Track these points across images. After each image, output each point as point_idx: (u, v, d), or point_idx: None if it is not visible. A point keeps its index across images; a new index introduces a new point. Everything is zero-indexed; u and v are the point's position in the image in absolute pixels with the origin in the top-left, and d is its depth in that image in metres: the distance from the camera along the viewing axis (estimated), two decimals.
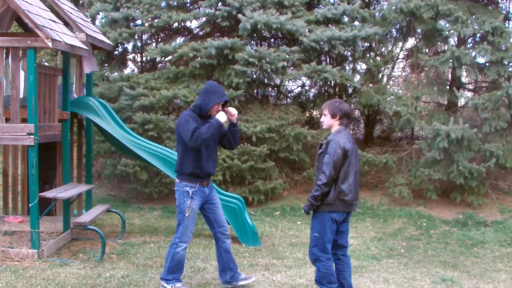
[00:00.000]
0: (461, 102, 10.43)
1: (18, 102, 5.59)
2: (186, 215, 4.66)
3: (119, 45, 9.97)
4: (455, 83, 9.55)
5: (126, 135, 6.69)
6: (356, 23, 9.75)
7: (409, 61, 10.90)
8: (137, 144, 6.65)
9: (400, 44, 10.71)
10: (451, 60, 8.76)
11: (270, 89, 10.42)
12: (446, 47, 9.49)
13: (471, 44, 9.75)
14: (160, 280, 4.81)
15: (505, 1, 10.84)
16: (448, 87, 9.72)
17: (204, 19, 9.62)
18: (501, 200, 8.85)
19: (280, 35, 9.75)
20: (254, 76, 9.26)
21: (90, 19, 10.05)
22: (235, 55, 8.70)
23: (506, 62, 8.81)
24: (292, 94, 10.88)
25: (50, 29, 5.52)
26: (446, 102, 10.31)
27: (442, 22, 9.29)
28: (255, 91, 9.87)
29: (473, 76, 9.43)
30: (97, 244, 6.25)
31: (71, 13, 6.76)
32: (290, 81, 10.35)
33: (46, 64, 11.42)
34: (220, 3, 9.28)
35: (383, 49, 10.66)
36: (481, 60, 9.31)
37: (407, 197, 8.65)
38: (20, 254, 5.48)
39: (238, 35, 9.00)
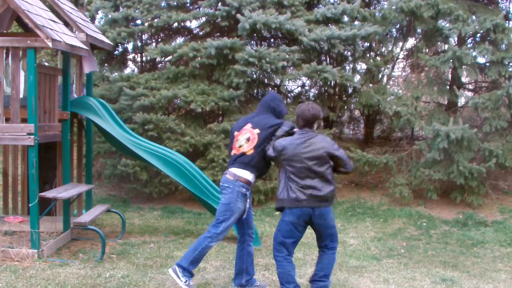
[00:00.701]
0: (461, 102, 10.43)
1: (18, 102, 5.58)
2: (236, 215, 4.62)
3: (119, 45, 9.97)
4: (455, 83, 9.55)
5: (126, 135, 6.69)
6: (356, 22, 9.75)
7: (409, 61, 10.90)
8: (137, 144, 6.65)
9: (400, 44, 10.72)
10: (451, 60, 8.76)
11: (270, 89, 10.41)
12: (446, 47, 9.49)
13: (471, 44, 9.76)
14: (176, 266, 4.57)
15: (505, 0, 10.84)
16: (448, 87, 9.72)
17: (204, 19, 9.62)
18: (501, 200, 8.85)
19: (280, 35, 9.75)
20: (254, 76, 9.26)
21: (89, 19, 10.05)
22: (235, 55, 8.70)
23: (506, 62, 8.81)
24: (292, 94, 10.88)
25: (50, 29, 5.52)
26: (446, 102, 10.31)
27: (442, 22, 9.29)
28: (255, 91, 9.87)
29: (473, 76, 9.42)
30: (97, 244, 6.25)
31: (71, 13, 6.76)
32: (290, 81, 10.34)
33: (46, 64, 11.43)
34: (219, 3, 9.28)
35: (383, 49, 10.66)
36: (481, 60, 9.31)
37: (407, 197, 8.65)
38: (20, 254, 5.48)
39: (238, 35, 9.00)
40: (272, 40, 10.07)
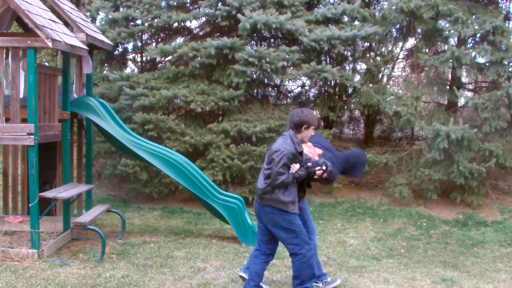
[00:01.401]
0: (461, 102, 10.43)
1: (18, 102, 5.58)
2: None
3: (119, 45, 9.97)
4: (455, 83, 9.55)
5: (126, 135, 6.69)
6: (356, 22, 9.75)
7: (409, 61, 10.90)
8: (137, 144, 6.65)
9: (400, 44, 10.72)
10: (451, 60, 8.76)
11: (270, 89, 10.41)
12: (446, 47, 9.50)
13: (471, 44, 9.76)
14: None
15: (505, 1, 10.84)
16: (448, 87, 9.72)
17: (204, 19, 9.61)
18: (501, 200, 8.85)
19: (280, 35, 9.75)
20: (254, 76, 9.26)
21: (90, 19, 10.05)
22: (234, 55, 8.70)
23: (506, 62, 8.81)
24: (292, 94, 10.88)
25: (50, 29, 5.52)
26: (446, 102, 10.31)
27: (442, 22, 9.30)
28: (255, 91, 9.87)
29: (473, 76, 9.43)
30: (97, 244, 6.25)
31: (71, 13, 6.76)
32: (290, 81, 10.34)
33: (46, 64, 11.43)
34: (220, 3, 9.28)
35: (383, 49, 10.66)
36: (481, 60, 9.31)
37: (407, 197, 8.65)
38: (20, 254, 5.48)
39: (238, 35, 9.00)
40: (272, 40, 10.06)
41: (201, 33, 10.10)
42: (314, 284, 4.79)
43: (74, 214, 7.05)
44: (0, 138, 5.59)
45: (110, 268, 5.33)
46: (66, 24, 6.58)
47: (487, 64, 9.13)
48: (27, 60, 5.48)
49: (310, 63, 8.88)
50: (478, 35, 9.36)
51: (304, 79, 10.37)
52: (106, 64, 10.49)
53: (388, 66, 10.64)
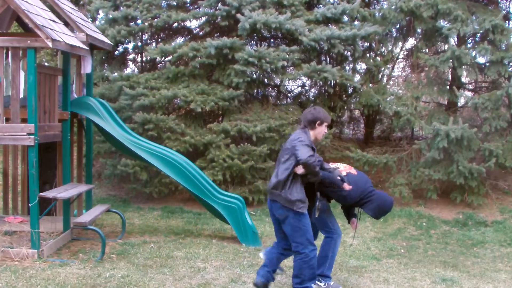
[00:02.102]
0: (461, 102, 10.43)
1: (18, 102, 5.58)
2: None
3: (119, 45, 9.97)
4: (455, 83, 9.55)
5: (126, 135, 6.69)
6: (356, 22, 9.75)
7: (409, 61, 10.90)
8: (137, 144, 6.65)
9: (400, 44, 10.73)
10: (451, 60, 8.76)
11: (270, 89, 10.41)
12: (446, 47, 9.50)
13: (471, 43, 9.76)
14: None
15: (505, 0, 10.84)
16: (448, 87, 9.72)
17: (203, 19, 9.62)
18: (501, 200, 8.85)
19: (280, 35, 9.75)
20: (254, 76, 9.26)
21: (90, 19, 10.05)
22: (234, 55, 8.70)
23: (506, 62, 8.81)
24: (292, 94, 10.88)
25: (50, 29, 5.52)
26: (446, 102, 10.31)
27: (442, 22, 9.29)
28: (255, 91, 9.87)
29: (473, 76, 9.43)
30: (97, 244, 6.25)
31: (71, 13, 6.76)
32: (290, 81, 10.34)
33: (46, 64, 11.42)
34: (219, 3, 9.28)
35: (383, 49, 10.67)
36: (481, 60, 9.32)
37: (407, 197, 8.65)
38: (20, 254, 5.48)
39: (238, 35, 9.00)
40: (272, 40, 10.07)
41: (201, 33, 10.11)
42: (317, 282, 4.80)
43: (74, 214, 7.05)
44: (0, 138, 5.58)
45: (110, 268, 5.33)
46: (66, 24, 6.57)
47: (488, 63, 9.13)
48: (27, 60, 5.48)
49: (310, 63, 8.88)
50: (478, 34, 9.37)
51: (304, 79, 10.37)
52: (106, 64, 10.49)
53: (388, 66, 10.64)
